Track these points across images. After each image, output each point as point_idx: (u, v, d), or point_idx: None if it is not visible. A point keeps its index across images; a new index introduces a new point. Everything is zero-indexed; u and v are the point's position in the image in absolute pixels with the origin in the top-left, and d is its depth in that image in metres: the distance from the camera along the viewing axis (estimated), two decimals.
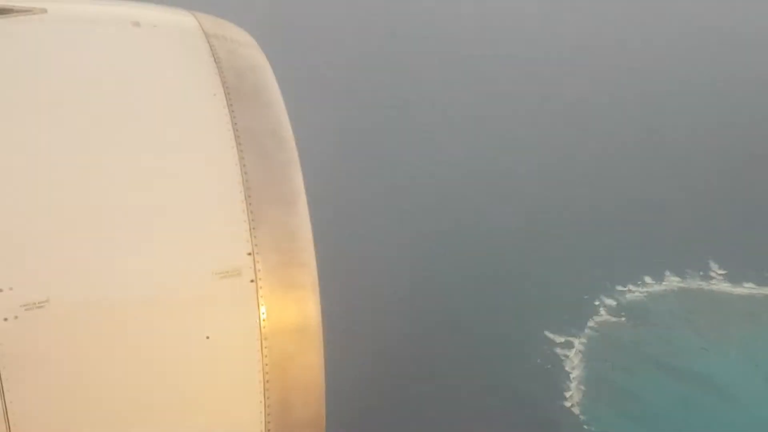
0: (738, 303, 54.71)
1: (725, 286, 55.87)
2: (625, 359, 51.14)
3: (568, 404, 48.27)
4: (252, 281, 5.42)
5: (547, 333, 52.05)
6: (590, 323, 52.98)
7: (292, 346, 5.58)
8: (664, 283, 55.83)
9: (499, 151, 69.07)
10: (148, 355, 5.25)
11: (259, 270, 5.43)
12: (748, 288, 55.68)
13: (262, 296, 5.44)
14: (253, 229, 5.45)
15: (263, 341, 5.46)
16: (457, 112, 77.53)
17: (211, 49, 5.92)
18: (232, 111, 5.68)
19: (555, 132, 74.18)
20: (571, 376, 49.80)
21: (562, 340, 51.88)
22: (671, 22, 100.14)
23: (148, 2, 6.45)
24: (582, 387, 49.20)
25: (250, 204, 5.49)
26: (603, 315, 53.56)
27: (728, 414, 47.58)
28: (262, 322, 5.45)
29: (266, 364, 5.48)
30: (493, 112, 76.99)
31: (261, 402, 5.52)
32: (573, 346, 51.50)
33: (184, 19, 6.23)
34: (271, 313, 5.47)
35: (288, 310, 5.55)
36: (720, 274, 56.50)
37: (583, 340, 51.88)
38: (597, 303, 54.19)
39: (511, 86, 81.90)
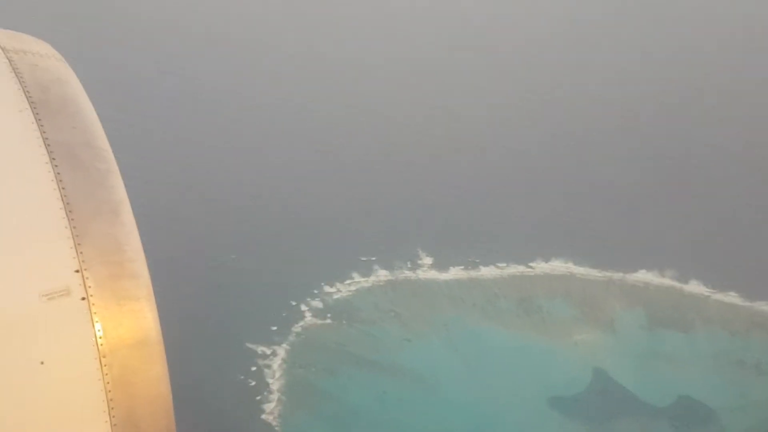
0: (444, 289, 55.02)
1: (432, 274, 56.07)
2: (328, 361, 50.11)
3: (268, 417, 46.65)
4: (83, 299, 5.30)
5: (249, 345, 50.18)
6: (295, 329, 51.56)
7: (134, 360, 5.46)
8: (372, 278, 55.29)
9: (164, 154, 66.53)
10: None
11: (90, 286, 5.30)
12: (454, 273, 56.14)
13: (95, 313, 5.31)
14: (78, 245, 5.31)
15: (102, 359, 5.33)
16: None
17: (11, 65, 5.77)
18: (42, 126, 5.55)
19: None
20: (272, 387, 48.17)
21: (268, 350, 50.20)
22: None
23: None
24: (283, 397, 47.70)
25: (71, 219, 5.35)
26: (309, 319, 52.26)
27: (427, 401, 47.50)
28: (98, 339, 5.33)
29: (108, 382, 5.35)
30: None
31: (107, 421, 5.37)
32: (277, 356, 49.93)
33: None
34: (107, 330, 5.35)
35: (125, 324, 5.43)
36: (428, 263, 56.67)
37: (287, 347, 50.38)
38: (304, 308, 52.82)
39: None
